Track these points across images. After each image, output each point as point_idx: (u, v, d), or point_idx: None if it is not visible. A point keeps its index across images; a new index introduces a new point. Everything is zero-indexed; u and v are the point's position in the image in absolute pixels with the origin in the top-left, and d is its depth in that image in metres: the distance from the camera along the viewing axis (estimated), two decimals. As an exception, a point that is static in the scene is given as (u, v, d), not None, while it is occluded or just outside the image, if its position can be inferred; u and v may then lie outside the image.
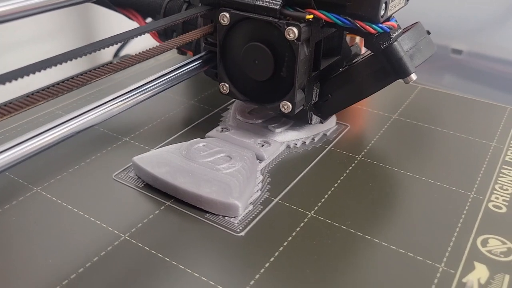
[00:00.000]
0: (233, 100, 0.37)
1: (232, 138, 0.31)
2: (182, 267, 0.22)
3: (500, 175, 0.29)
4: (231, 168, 0.27)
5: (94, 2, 0.43)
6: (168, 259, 0.23)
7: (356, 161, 0.30)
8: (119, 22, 0.43)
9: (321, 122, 0.32)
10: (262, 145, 0.30)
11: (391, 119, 0.35)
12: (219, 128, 0.32)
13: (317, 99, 0.31)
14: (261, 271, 0.22)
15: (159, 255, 0.23)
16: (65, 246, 0.23)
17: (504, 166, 0.30)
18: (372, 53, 0.28)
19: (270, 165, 0.30)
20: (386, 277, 0.22)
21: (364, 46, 0.28)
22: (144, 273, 0.22)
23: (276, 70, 0.28)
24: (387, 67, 0.28)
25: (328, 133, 0.33)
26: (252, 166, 0.28)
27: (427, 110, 0.37)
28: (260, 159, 0.30)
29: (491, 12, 0.53)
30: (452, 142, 0.33)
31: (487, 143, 0.32)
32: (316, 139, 0.32)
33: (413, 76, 0.27)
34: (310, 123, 0.32)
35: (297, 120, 0.32)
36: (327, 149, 0.31)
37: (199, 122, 0.34)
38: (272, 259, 0.23)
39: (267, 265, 0.22)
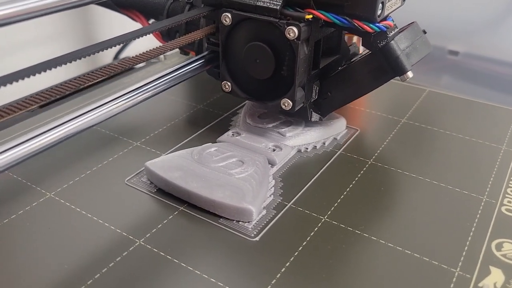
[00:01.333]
0: (243, 104, 0.37)
1: (244, 143, 0.31)
2: (199, 273, 0.22)
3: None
4: (244, 172, 0.27)
5: (98, 4, 0.43)
6: (184, 265, 0.23)
7: (367, 165, 0.30)
8: (121, 24, 0.43)
9: (320, 119, 0.33)
10: (274, 150, 0.31)
11: (400, 122, 0.35)
12: (230, 132, 0.32)
13: (316, 97, 0.31)
14: (277, 276, 0.22)
15: (174, 260, 0.23)
16: (81, 251, 0.23)
17: (515, 170, 0.30)
18: (370, 52, 0.29)
19: (282, 169, 0.30)
20: (402, 281, 0.22)
21: (362, 45, 0.29)
22: (159, 278, 0.22)
23: (277, 68, 0.29)
24: (384, 65, 0.28)
25: (338, 137, 0.33)
26: (265, 171, 0.28)
27: (436, 113, 0.37)
28: (271, 163, 0.30)
29: (487, 13, 0.54)
30: (462, 145, 0.33)
31: (497, 146, 0.32)
32: (326, 143, 0.32)
33: (410, 74, 0.28)
34: (310, 120, 0.32)
35: (298, 117, 0.33)
36: (338, 153, 0.31)
37: (209, 127, 0.34)
38: (288, 264, 0.23)
39: (283, 270, 0.22)
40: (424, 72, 0.56)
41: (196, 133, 0.34)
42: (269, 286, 0.22)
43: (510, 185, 0.29)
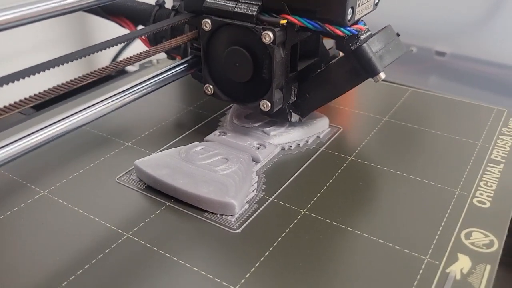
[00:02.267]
0: (231, 105, 0.38)
1: (229, 142, 0.32)
2: (182, 262, 0.24)
3: (486, 172, 0.30)
4: (228, 169, 0.29)
5: (88, 11, 0.45)
6: (168, 255, 0.24)
7: (347, 162, 0.32)
8: (116, 32, 0.44)
9: (300, 119, 0.34)
10: (258, 148, 0.32)
11: (382, 121, 0.37)
12: (216, 132, 0.34)
13: (295, 98, 0.33)
14: (257, 264, 0.23)
15: (160, 251, 0.24)
16: (72, 244, 0.25)
17: (489, 164, 0.31)
18: (344, 55, 0.30)
19: (266, 166, 0.31)
20: (375, 268, 0.23)
21: (336, 48, 0.31)
22: (146, 268, 0.23)
23: (256, 72, 0.30)
24: (358, 67, 0.30)
25: (321, 136, 0.35)
26: (248, 168, 0.30)
27: (417, 112, 0.38)
28: (255, 160, 0.31)
29: (473, 14, 0.55)
30: (441, 142, 0.34)
31: (473, 142, 0.34)
32: (310, 141, 0.34)
33: (382, 75, 0.29)
34: (290, 121, 0.34)
35: (278, 118, 0.34)
36: (320, 151, 0.33)
37: (198, 127, 0.36)
38: (267, 253, 0.24)
39: (262, 259, 0.24)
40: (412, 73, 0.58)
41: (185, 134, 0.35)
42: (248, 274, 0.23)
43: (483, 178, 0.30)
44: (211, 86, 0.33)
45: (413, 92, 0.42)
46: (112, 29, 0.47)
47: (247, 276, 0.23)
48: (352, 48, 0.29)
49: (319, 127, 0.35)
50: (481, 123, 0.36)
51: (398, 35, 0.32)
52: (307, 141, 0.34)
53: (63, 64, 0.25)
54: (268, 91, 0.30)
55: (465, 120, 0.37)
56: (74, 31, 0.58)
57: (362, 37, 0.29)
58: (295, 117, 0.34)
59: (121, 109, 0.38)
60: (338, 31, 0.28)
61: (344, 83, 0.31)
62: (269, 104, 0.30)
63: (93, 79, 0.27)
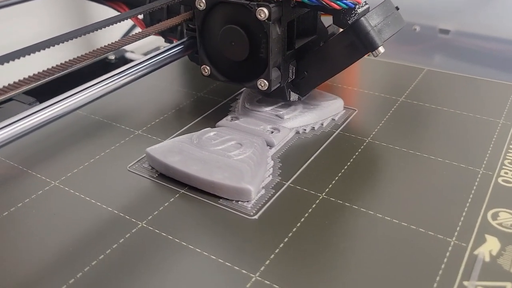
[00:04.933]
0: (241, 90, 0.37)
1: (242, 126, 0.31)
2: (199, 251, 0.23)
3: (509, 151, 0.29)
4: (242, 154, 0.28)
5: None
6: (184, 243, 0.23)
7: (364, 144, 0.31)
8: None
9: (299, 98, 0.33)
10: (272, 132, 0.31)
11: (398, 101, 0.36)
12: (228, 117, 0.33)
13: (294, 77, 0.32)
14: (276, 251, 0.23)
15: (175, 240, 0.24)
16: (85, 235, 0.24)
17: (512, 142, 0.30)
18: (342, 30, 0.30)
19: (281, 150, 0.30)
20: (399, 252, 0.22)
21: (333, 23, 0.30)
22: (162, 257, 0.23)
23: (252, 50, 0.30)
24: (356, 41, 0.29)
25: (336, 118, 0.34)
26: (263, 152, 0.29)
27: (434, 91, 0.37)
28: (270, 145, 0.30)
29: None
30: (460, 121, 0.33)
31: (494, 120, 0.33)
32: (324, 124, 0.33)
33: (381, 49, 0.29)
34: (289, 100, 0.33)
35: (277, 97, 0.33)
36: (335, 133, 0.32)
37: (209, 113, 0.35)
38: (286, 239, 0.23)
39: (281, 245, 0.23)
40: (416, 52, 0.57)
41: (196, 120, 0.34)
42: (268, 261, 0.22)
43: (507, 157, 0.29)
44: (208, 67, 0.32)
45: (428, 71, 0.40)
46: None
47: (266, 263, 0.22)
48: (349, 22, 0.28)
49: (333, 110, 0.34)
50: (501, 100, 0.35)
51: (397, 8, 0.31)
52: (322, 124, 0.33)
53: (58, 44, 0.25)
54: (265, 69, 0.30)
55: (485, 98, 0.36)
56: (74, 21, 0.57)
57: (360, 10, 0.29)
58: (294, 96, 0.33)
59: (130, 97, 0.38)
60: (334, 5, 0.27)
61: (343, 59, 0.30)
62: (267, 83, 0.30)
63: (91, 59, 0.26)
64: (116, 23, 0.29)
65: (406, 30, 0.31)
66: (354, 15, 0.28)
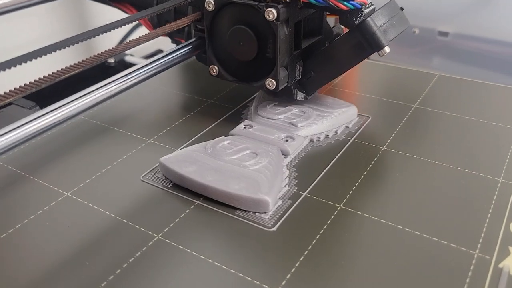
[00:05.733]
0: (253, 96, 0.37)
1: (256, 135, 0.31)
2: (218, 264, 0.22)
3: (527, 159, 0.29)
4: (258, 164, 0.28)
5: None
6: (203, 257, 0.23)
7: (380, 152, 0.30)
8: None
9: (305, 98, 0.33)
10: (286, 140, 0.31)
11: (412, 108, 0.35)
12: (241, 125, 0.32)
13: (300, 76, 0.32)
14: (297, 264, 0.22)
15: (193, 253, 0.23)
16: (101, 248, 0.24)
17: (530, 150, 0.30)
18: (349, 30, 0.30)
19: (295, 159, 0.30)
20: (422, 265, 0.22)
21: (340, 23, 0.30)
22: (180, 271, 0.22)
23: (260, 50, 0.30)
24: (362, 41, 0.29)
25: (350, 125, 0.33)
26: (278, 162, 0.28)
27: (448, 97, 0.37)
28: (285, 154, 0.30)
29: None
30: (476, 128, 0.32)
31: (511, 127, 0.32)
32: (339, 132, 0.32)
33: (387, 49, 0.29)
34: (296, 99, 0.33)
35: (284, 97, 0.34)
36: (350, 141, 0.31)
37: (221, 121, 0.35)
38: (306, 252, 0.23)
39: (301, 258, 0.23)
40: (416, 54, 0.57)
41: (208, 128, 0.34)
42: (289, 275, 0.22)
43: (526, 165, 0.28)
44: (216, 67, 0.33)
45: (441, 77, 0.40)
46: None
47: (288, 277, 0.22)
48: (356, 22, 0.29)
49: (347, 117, 0.33)
50: (516, 107, 0.35)
51: (402, 9, 0.31)
52: (336, 132, 0.32)
53: (64, 48, 0.24)
54: (273, 69, 0.30)
55: (499, 104, 0.35)
56: (77, 23, 0.57)
57: (366, 11, 0.29)
58: (300, 96, 0.33)
59: (139, 104, 0.37)
60: (341, 5, 0.28)
61: (349, 59, 0.31)
62: (275, 82, 0.30)
63: (94, 64, 0.26)
64: (125, 25, 0.29)
65: (405, 33, 0.31)
66: (360, 16, 0.29)
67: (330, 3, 0.28)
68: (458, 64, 0.57)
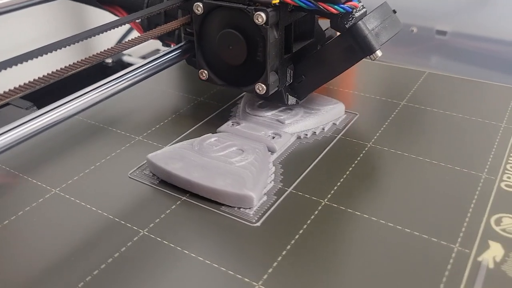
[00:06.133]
0: (242, 95, 0.37)
1: (243, 132, 0.31)
2: (202, 259, 0.23)
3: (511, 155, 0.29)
4: (244, 160, 0.28)
5: (81, 1, 0.44)
6: (187, 252, 0.23)
7: (366, 149, 0.31)
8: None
9: (297, 102, 0.33)
10: (273, 137, 0.31)
11: (400, 105, 0.36)
12: (229, 122, 0.33)
13: (291, 81, 0.32)
14: (279, 259, 0.22)
15: (177, 248, 0.23)
16: (86, 243, 0.24)
17: (515, 146, 0.30)
18: (340, 34, 0.30)
19: (282, 156, 0.30)
20: (402, 259, 0.22)
21: (331, 27, 0.30)
22: (164, 266, 0.22)
23: (250, 54, 0.30)
24: (353, 45, 0.29)
25: (337, 122, 0.33)
26: (264, 158, 0.29)
27: (435, 95, 0.37)
28: (271, 151, 0.30)
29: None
30: (462, 125, 0.33)
31: (496, 124, 0.32)
32: (326, 129, 0.33)
33: (378, 53, 0.29)
34: (287, 104, 0.33)
35: (274, 101, 0.33)
36: (337, 138, 0.32)
37: (210, 118, 0.35)
38: (289, 246, 0.23)
39: (284, 252, 0.23)
40: (413, 54, 0.57)
41: (197, 125, 0.34)
42: (271, 269, 0.22)
43: (510, 161, 0.29)
44: (206, 71, 0.33)
45: (429, 74, 0.40)
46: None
47: (269, 271, 0.22)
48: (347, 26, 0.28)
49: (335, 114, 0.34)
50: (503, 103, 0.35)
51: (394, 11, 0.31)
52: (323, 129, 0.33)
53: (61, 48, 0.25)
54: (263, 73, 0.30)
55: (486, 101, 0.36)
56: (72, 26, 0.57)
57: (357, 14, 0.29)
58: (292, 100, 0.33)
59: (129, 102, 0.38)
60: (331, 9, 0.28)
61: (340, 63, 0.30)
62: (265, 87, 0.30)
63: (89, 65, 0.27)
64: (115, 28, 0.29)
65: (403, 32, 0.31)
66: (352, 19, 0.28)
67: (320, 6, 0.28)
68: (456, 63, 0.57)
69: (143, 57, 0.59)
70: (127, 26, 0.54)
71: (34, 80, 0.24)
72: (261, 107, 0.34)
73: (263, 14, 0.28)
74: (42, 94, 0.32)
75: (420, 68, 0.41)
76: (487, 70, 0.55)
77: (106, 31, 0.28)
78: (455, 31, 0.55)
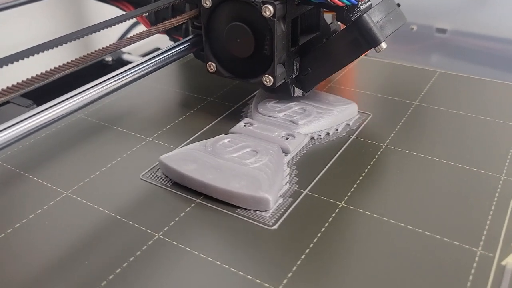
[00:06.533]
0: (253, 94, 0.37)
1: (256, 133, 0.31)
2: (219, 263, 0.22)
3: (529, 156, 0.29)
4: (258, 162, 0.27)
5: None
6: (203, 256, 0.23)
7: (381, 150, 0.30)
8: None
9: (303, 94, 0.34)
10: (287, 138, 0.30)
11: (413, 105, 0.35)
12: (242, 123, 0.32)
13: (298, 73, 0.33)
14: (298, 263, 0.22)
15: (194, 252, 0.23)
16: (100, 247, 0.23)
17: (532, 147, 0.30)
18: (345, 27, 0.30)
19: (296, 157, 0.30)
20: (424, 264, 0.22)
21: (337, 20, 0.30)
22: (180, 270, 0.22)
23: (257, 47, 0.30)
24: (359, 37, 0.29)
25: (350, 123, 0.33)
26: (279, 159, 0.28)
27: (449, 94, 0.36)
28: (285, 152, 0.30)
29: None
30: (477, 125, 0.32)
31: (512, 124, 0.32)
32: (339, 129, 0.32)
33: (383, 45, 0.29)
34: (293, 95, 0.33)
35: (281, 93, 0.34)
36: (351, 139, 0.31)
37: (221, 119, 0.34)
38: (308, 250, 0.23)
39: (303, 256, 0.22)
40: (413, 51, 0.57)
41: (208, 126, 0.34)
42: (290, 273, 0.21)
43: (528, 162, 0.28)
44: (214, 64, 0.33)
45: (441, 74, 0.40)
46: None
47: (289, 275, 0.21)
48: (352, 19, 0.29)
49: (348, 114, 0.33)
50: (517, 103, 0.35)
51: (398, 5, 0.32)
52: (336, 129, 0.32)
53: (61, 45, 0.24)
54: (270, 66, 0.30)
55: (501, 101, 0.35)
56: (78, 20, 0.57)
57: (362, 7, 0.29)
58: (298, 92, 0.33)
59: (139, 102, 0.37)
60: (338, 2, 0.28)
61: (346, 55, 0.31)
62: (272, 78, 0.30)
63: (92, 61, 0.26)
64: (122, 22, 0.29)
65: (403, 30, 0.31)
66: (357, 12, 0.29)
67: None
68: (456, 61, 0.57)
69: (143, 56, 0.58)
70: (128, 23, 0.54)
71: (36, 76, 0.24)
72: (274, 107, 0.33)
73: (270, 7, 0.28)
74: (43, 92, 0.32)
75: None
76: (487, 68, 0.55)
77: (114, 25, 0.28)
78: (455, 29, 0.55)
